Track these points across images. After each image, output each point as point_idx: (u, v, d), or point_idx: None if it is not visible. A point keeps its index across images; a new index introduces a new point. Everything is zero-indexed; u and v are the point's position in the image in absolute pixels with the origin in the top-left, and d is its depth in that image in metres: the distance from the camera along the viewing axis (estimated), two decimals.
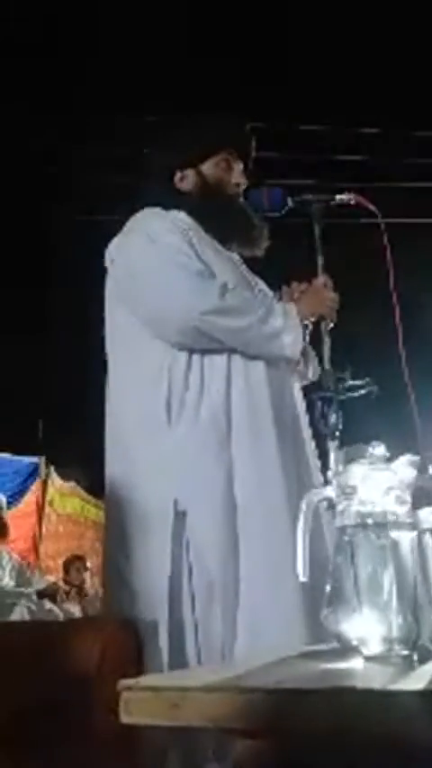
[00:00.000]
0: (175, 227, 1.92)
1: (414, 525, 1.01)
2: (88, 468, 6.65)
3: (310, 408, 1.89)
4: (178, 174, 2.02)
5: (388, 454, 1.07)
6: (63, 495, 7.38)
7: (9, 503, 5.55)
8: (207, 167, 2.02)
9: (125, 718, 0.81)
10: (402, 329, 1.84)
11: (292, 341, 1.86)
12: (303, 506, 1.13)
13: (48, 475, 6.93)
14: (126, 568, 1.77)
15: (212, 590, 1.71)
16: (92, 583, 6.06)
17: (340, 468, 1.07)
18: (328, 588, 1.02)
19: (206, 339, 1.81)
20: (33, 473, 6.80)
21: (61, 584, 5.85)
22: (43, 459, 6.91)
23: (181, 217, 1.96)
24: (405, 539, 0.99)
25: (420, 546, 1.00)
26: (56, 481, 7.15)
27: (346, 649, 0.98)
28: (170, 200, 1.99)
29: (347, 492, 1.03)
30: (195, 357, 1.83)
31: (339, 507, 1.04)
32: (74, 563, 6.26)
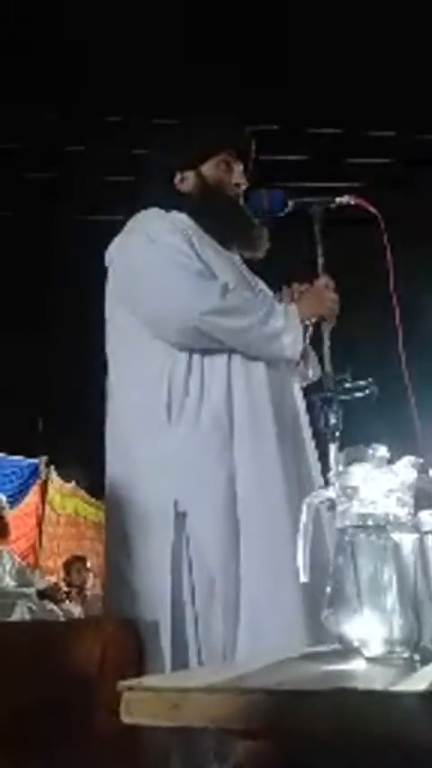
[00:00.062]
0: (175, 227, 1.92)
1: (415, 527, 1.01)
2: (88, 469, 6.65)
3: (310, 409, 1.90)
4: (178, 176, 2.02)
5: (388, 456, 1.08)
6: (63, 495, 7.39)
7: (10, 503, 5.54)
8: (207, 168, 2.02)
9: (126, 719, 0.81)
10: (403, 330, 1.84)
11: (292, 341, 1.86)
12: (304, 507, 1.13)
13: (48, 475, 6.93)
14: (127, 569, 1.78)
15: (213, 590, 1.71)
16: (93, 583, 6.06)
17: (341, 468, 1.07)
18: (328, 589, 1.02)
19: (206, 339, 1.81)
20: (33, 473, 6.81)
21: (62, 584, 5.85)
22: (43, 459, 6.91)
23: (181, 218, 1.95)
24: (406, 540, 0.99)
25: (421, 548, 1.00)
26: (56, 482, 7.15)
27: (348, 651, 0.98)
28: (170, 201, 1.99)
29: (348, 493, 1.03)
30: (196, 357, 1.83)
31: (340, 508, 1.05)
32: (75, 564, 6.26)
